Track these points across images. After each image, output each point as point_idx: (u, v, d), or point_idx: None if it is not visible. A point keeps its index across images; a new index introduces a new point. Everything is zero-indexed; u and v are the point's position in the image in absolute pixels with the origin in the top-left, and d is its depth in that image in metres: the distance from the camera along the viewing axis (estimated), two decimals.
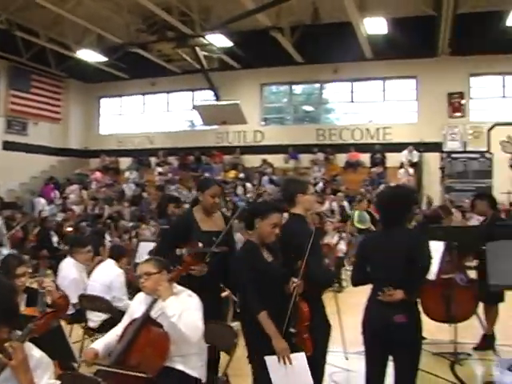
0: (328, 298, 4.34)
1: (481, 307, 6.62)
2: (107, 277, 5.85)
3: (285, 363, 3.51)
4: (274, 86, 22.44)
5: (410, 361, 3.73)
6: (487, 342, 6.52)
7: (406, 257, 3.67)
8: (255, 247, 3.84)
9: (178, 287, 3.85)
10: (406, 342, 3.66)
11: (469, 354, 6.32)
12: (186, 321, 3.53)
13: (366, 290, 3.93)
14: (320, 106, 21.81)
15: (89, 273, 6.28)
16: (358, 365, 5.12)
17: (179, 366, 3.67)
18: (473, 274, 6.66)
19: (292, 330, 3.67)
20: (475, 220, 11.06)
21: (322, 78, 20.81)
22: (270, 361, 3.55)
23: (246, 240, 4.03)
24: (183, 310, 3.56)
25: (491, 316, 6.50)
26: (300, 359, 3.58)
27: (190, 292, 3.85)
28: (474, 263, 6.70)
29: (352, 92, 20.83)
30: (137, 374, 3.32)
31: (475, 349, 6.51)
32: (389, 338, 3.65)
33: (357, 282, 3.96)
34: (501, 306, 6.41)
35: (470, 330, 6.66)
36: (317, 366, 3.87)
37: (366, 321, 3.79)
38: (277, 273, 3.78)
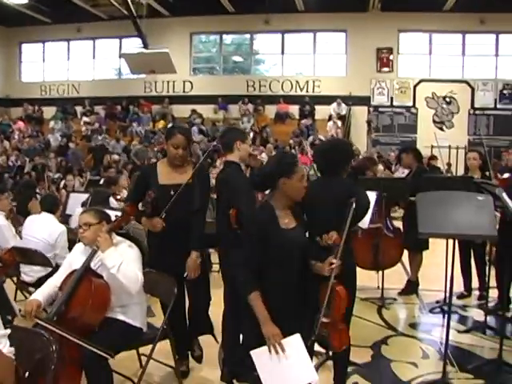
0: None
1: (405, 255, 6.95)
2: (50, 234, 5.62)
3: (277, 352, 2.93)
4: (203, 35, 22.05)
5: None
6: (411, 287, 6.93)
7: (341, 204, 3.77)
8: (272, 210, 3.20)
9: (117, 238, 3.81)
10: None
11: (394, 299, 6.73)
12: (125, 271, 3.52)
13: None
14: (250, 57, 21.64)
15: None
16: None
17: (120, 316, 3.69)
18: (398, 224, 6.97)
19: (324, 319, 3.21)
20: (400, 172, 11.45)
21: (253, 28, 20.64)
22: (257, 355, 2.96)
23: (263, 203, 3.35)
24: (122, 261, 3.53)
25: (416, 263, 6.88)
26: (295, 344, 3.00)
27: (129, 243, 3.84)
28: (400, 213, 6.99)
29: (283, 44, 20.75)
30: (75, 341, 3.26)
31: (400, 294, 6.91)
32: None
33: None
34: (424, 253, 6.77)
35: (396, 277, 7.03)
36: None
37: None
38: (298, 243, 3.24)
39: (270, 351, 2.93)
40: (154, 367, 4.16)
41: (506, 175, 6.34)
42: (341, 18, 19.35)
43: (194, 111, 20.23)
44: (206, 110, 20.44)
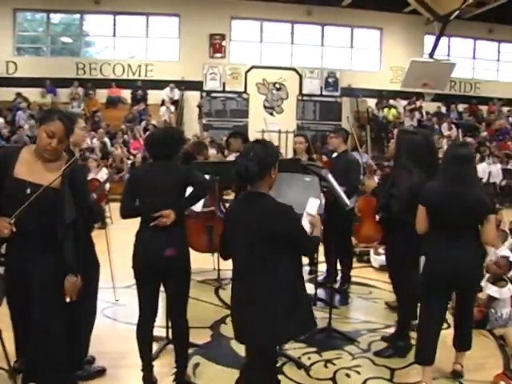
0: (96, 237, 4.27)
1: None
2: None
3: None
4: (28, 12, 20.64)
5: (181, 290, 3.92)
6: None
7: (176, 189, 3.79)
8: None
9: None
10: (177, 273, 3.82)
11: (230, 279, 6.80)
12: None
13: (133, 226, 3.94)
14: (80, 38, 20.71)
15: None
16: (128, 298, 5.25)
17: None
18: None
19: None
20: (232, 156, 11.67)
21: (83, 8, 19.71)
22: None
23: (268, 196, 3.18)
24: None
25: None
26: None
27: None
28: (233, 196, 7.15)
29: (114, 26, 20.13)
30: None
31: None
32: (160, 271, 3.76)
33: (126, 214, 3.92)
34: None
35: None
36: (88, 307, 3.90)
37: (137, 255, 3.81)
38: None
39: None
40: None
41: (324, 158, 6.76)
42: (174, 3, 19.29)
43: (18, 94, 18.84)
44: (33, 94, 19.14)
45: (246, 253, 3.16)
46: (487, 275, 5.81)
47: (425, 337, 4.22)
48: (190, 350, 4.34)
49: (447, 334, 4.87)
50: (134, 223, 3.94)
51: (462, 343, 4.40)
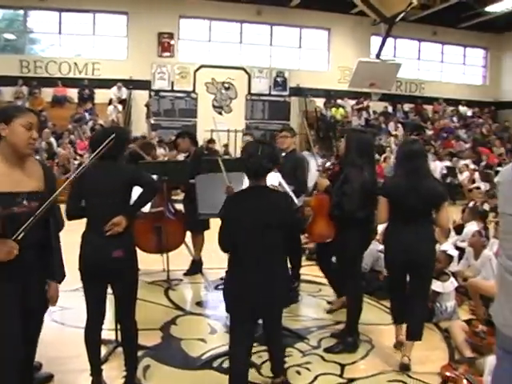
0: None
1: (188, 236, 7.11)
2: None
3: None
4: None
5: (129, 292, 3.86)
6: (196, 267, 7.16)
7: (122, 190, 3.73)
8: None
9: None
10: (125, 275, 3.76)
11: (181, 280, 6.85)
12: None
13: (79, 228, 3.87)
14: (24, 35, 20.13)
15: None
16: (75, 301, 5.15)
17: None
18: (180, 206, 7.08)
19: None
20: (181, 157, 11.61)
21: (27, 3, 19.15)
22: None
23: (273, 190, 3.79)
24: None
25: (198, 243, 7.11)
26: None
27: None
28: (181, 196, 7.12)
29: (60, 23, 19.68)
30: None
31: (186, 274, 7.08)
32: (108, 272, 3.70)
33: (71, 215, 3.82)
34: (206, 233, 6.95)
35: (180, 258, 7.15)
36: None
37: (84, 257, 3.74)
38: None
39: None
40: None
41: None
42: (122, 0, 19.03)
43: None
44: None
45: (258, 239, 3.48)
46: None
47: (394, 302, 4.82)
48: (140, 353, 4.30)
49: (392, 330, 4.97)
50: (81, 224, 3.86)
51: (412, 333, 4.56)
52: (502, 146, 20.16)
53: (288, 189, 4.97)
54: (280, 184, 4.72)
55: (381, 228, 6.06)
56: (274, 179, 4.18)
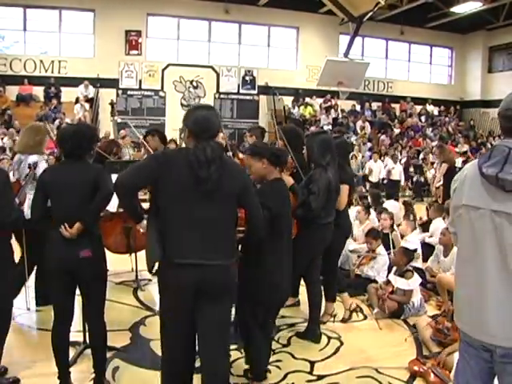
0: None
1: None
2: None
3: None
4: None
5: (97, 292, 3.82)
6: None
7: (87, 190, 3.67)
8: None
9: None
10: (93, 275, 3.72)
11: (149, 280, 6.73)
12: None
13: None
14: None
15: None
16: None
17: None
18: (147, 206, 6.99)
19: None
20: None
21: None
22: None
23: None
24: None
25: None
26: None
27: None
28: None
29: (24, 19, 19.25)
30: None
31: (154, 274, 6.90)
32: (75, 273, 3.65)
33: (37, 215, 3.74)
34: None
35: None
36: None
37: (50, 257, 3.68)
38: None
39: None
40: None
41: (241, 156, 6.79)
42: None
43: None
44: None
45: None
46: (393, 269, 6.08)
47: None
48: (109, 354, 4.24)
49: (361, 327, 5.03)
50: None
51: (329, 295, 5.43)
52: (467, 144, 20.49)
53: None
54: None
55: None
56: None
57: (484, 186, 2.48)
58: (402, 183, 16.18)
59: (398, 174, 15.26)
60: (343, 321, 5.56)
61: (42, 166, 4.73)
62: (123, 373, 4.27)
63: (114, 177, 4.05)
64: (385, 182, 15.44)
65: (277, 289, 3.82)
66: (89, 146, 3.93)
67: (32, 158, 5.10)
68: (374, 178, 15.87)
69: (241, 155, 7.09)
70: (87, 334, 4.07)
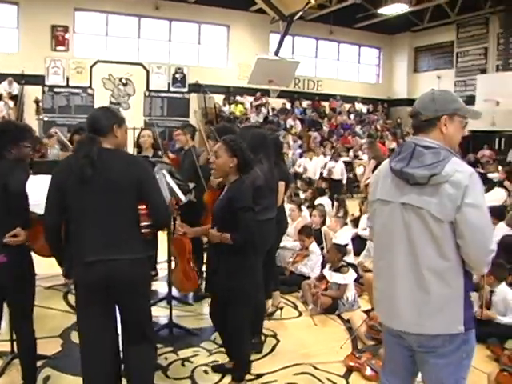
0: None
1: None
2: None
3: None
4: None
5: (23, 299, 3.63)
6: None
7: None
8: None
9: None
10: (13, 281, 3.51)
11: None
12: None
13: None
14: None
15: None
16: None
17: None
18: None
19: None
20: None
21: None
22: None
23: None
24: None
25: None
26: None
27: None
28: None
29: None
30: None
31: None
32: None
33: None
34: None
35: None
36: None
37: None
38: None
39: None
40: None
41: (171, 155, 6.74)
42: None
43: None
44: None
45: None
46: (328, 265, 6.15)
47: None
48: (39, 363, 4.05)
49: (296, 324, 5.05)
50: None
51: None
52: (394, 141, 20.99)
53: (173, 184, 4.84)
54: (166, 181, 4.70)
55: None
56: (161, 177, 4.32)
57: (394, 180, 2.61)
58: (344, 181, 15.63)
59: (339, 172, 15.03)
60: (268, 315, 5.51)
61: None
62: (55, 382, 4.11)
63: (41, 177, 3.90)
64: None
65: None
66: (5, 144, 3.70)
67: None
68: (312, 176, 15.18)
69: (171, 155, 6.98)
70: (15, 343, 3.89)
